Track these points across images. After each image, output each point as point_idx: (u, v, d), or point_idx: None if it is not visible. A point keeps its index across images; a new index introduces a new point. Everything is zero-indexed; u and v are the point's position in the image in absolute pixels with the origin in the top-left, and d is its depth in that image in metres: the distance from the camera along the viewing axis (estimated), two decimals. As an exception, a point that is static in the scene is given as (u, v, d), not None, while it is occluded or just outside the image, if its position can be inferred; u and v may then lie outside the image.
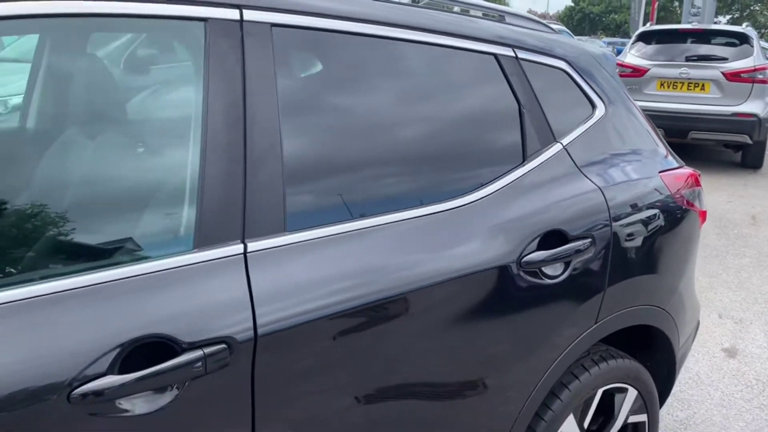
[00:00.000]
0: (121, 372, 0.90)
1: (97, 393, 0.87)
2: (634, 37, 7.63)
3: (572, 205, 1.48)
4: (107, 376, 0.89)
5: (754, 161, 7.15)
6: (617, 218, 1.56)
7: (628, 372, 1.71)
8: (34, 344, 0.85)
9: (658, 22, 19.40)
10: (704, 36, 7.16)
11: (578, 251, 1.45)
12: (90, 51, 1.22)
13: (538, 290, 1.39)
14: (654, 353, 1.90)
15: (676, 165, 1.86)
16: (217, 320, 0.98)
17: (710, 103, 6.73)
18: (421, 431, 1.28)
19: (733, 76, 6.63)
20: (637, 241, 1.62)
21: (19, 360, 0.84)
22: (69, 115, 1.20)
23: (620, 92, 1.78)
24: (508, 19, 1.62)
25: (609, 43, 21.06)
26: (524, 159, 1.47)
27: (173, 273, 0.97)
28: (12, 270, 0.92)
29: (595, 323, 1.55)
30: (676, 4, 37.66)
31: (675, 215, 1.75)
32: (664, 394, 1.98)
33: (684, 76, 6.86)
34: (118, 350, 0.90)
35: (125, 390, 0.89)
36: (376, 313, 1.15)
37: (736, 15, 38.60)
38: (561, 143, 1.54)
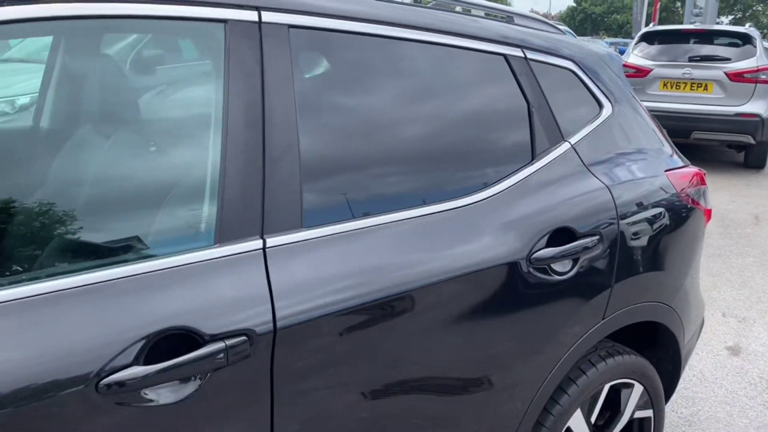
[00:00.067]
0: (146, 363, 0.93)
1: (124, 383, 0.90)
2: (637, 38, 7.65)
3: (580, 202, 1.51)
4: (133, 367, 0.91)
5: (757, 161, 7.16)
6: (624, 216, 1.59)
7: (634, 368, 1.74)
8: (66, 336, 0.88)
9: (660, 23, 19.38)
10: (707, 36, 7.18)
11: (586, 248, 1.47)
12: (121, 53, 1.25)
13: (547, 287, 1.41)
14: (659, 350, 1.92)
15: (681, 164, 1.89)
16: (238, 313, 1.01)
17: (713, 104, 6.75)
18: (435, 426, 1.31)
19: (736, 77, 6.65)
20: (644, 239, 1.64)
21: (53, 350, 0.87)
22: (96, 116, 1.23)
23: (626, 92, 1.81)
24: (516, 20, 1.65)
25: (611, 44, 21.03)
26: (533, 158, 1.50)
27: (196, 267, 1.00)
28: (46, 264, 0.95)
29: (603, 319, 1.58)
30: (678, 4, 37.65)
31: (680, 213, 1.77)
32: (669, 390, 2.00)
33: (687, 76, 6.88)
34: (144, 342, 0.93)
35: (150, 380, 0.92)
36: (392, 308, 1.17)
37: (739, 15, 38.57)
38: (569, 142, 1.57)
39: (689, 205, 1.81)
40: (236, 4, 1.10)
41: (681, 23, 16.23)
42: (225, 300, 1.01)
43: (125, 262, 0.97)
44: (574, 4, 53.23)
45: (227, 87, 1.07)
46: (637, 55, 7.29)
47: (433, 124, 1.36)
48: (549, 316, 1.44)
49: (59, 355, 0.87)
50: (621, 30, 46.33)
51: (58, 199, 1.01)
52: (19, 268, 0.94)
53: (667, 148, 1.89)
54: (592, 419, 1.69)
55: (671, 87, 6.99)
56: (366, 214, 1.21)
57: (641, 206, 1.65)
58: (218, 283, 1.01)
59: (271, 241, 1.08)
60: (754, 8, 38.85)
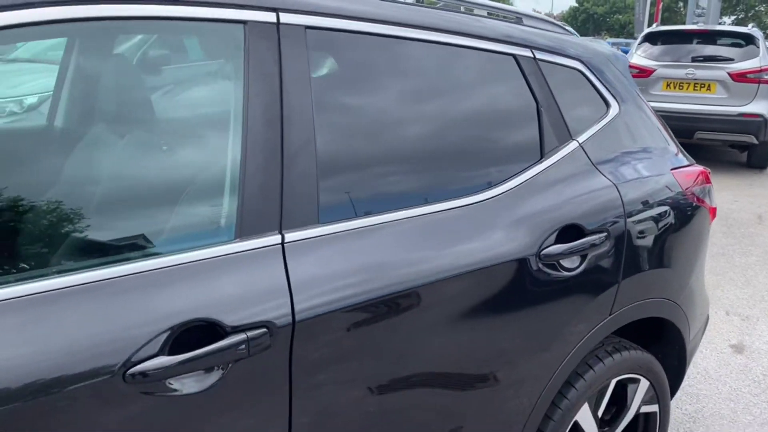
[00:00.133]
0: (171, 354, 0.96)
1: (150, 373, 0.93)
2: (640, 38, 7.67)
3: (588, 200, 1.54)
4: (158, 357, 0.94)
5: (760, 161, 7.17)
6: (631, 214, 1.61)
7: (640, 363, 1.76)
8: (96, 327, 0.91)
9: (662, 23, 19.41)
10: (710, 37, 7.19)
11: (594, 245, 1.50)
12: (144, 54, 1.28)
13: (556, 283, 1.44)
14: (665, 346, 1.95)
15: (686, 162, 1.91)
16: (258, 306, 1.04)
17: (716, 104, 6.76)
18: (442, 420, 1.34)
19: (739, 77, 6.66)
20: (650, 236, 1.67)
21: (84, 341, 0.90)
22: (117, 115, 1.26)
23: (632, 91, 1.84)
24: (525, 21, 1.68)
25: (613, 44, 21.04)
26: (542, 156, 1.53)
27: (218, 261, 1.03)
28: (75, 257, 0.98)
29: (610, 315, 1.60)
30: (681, 4, 37.62)
31: (686, 211, 1.80)
32: (674, 386, 2.02)
33: (690, 76, 6.90)
34: (168, 333, 0.96)
35: (175, 370, 0.95)
36: (407, 303, 1.20)
37: (741, 15, 38.54)
38: (577, 141, 1.60)
39: (694, 204, 1.83)
40: (255, 6, 1.13)
41: (684, 23, 16.23)
42: (246, 293, 1.04)
43: (151, 256, 1.00)
44: (576, 4, 53.23)
45: (247, 86, 1.10)
46: (640, 56, 7.31)
47: (445, 122, 1.39)
48: (557, 312, 1.46)
49: (89, 345, 0.90)
50: (623, 30, 46.31)
51: (89, 197, 1.04)
52: (56, 261, 0.97)
53: (673, 147, 1.92)
54: (599, 413, 1.71)
55: (674, 87, 7.01)
56: (379, 211, 1.24)
57: (648, 204, 1.68)
58: (239, 277, 1.04)
59: (290, 236, 1.11)
60: (757, 9, 38.82)
